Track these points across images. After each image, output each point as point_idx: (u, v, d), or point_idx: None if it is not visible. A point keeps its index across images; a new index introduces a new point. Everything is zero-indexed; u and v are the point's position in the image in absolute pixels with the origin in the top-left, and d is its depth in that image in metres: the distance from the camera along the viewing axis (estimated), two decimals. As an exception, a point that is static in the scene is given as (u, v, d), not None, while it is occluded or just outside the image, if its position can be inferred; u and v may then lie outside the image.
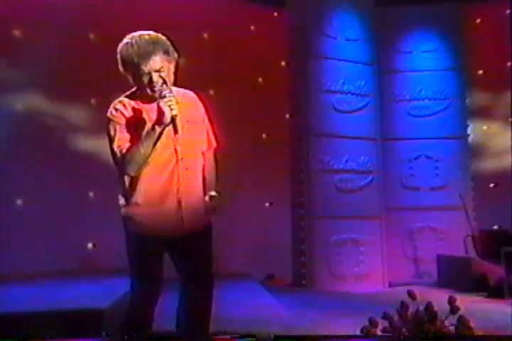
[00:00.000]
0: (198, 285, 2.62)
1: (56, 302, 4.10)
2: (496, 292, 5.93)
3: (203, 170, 2.64)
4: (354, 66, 7.34)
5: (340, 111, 7.24)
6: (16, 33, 6.45)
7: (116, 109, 2.51)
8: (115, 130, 2.48)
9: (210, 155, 2.70)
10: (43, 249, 6.07)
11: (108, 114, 2.52)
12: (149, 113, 2.51)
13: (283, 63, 7.89)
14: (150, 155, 2.43)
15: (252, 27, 7.83)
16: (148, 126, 2.45)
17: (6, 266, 5.61)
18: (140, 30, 2.58)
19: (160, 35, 2.52)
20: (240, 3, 7.33)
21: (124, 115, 2.49)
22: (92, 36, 6.88)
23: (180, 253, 2.61)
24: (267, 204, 7.79)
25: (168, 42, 2.51)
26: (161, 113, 2.41)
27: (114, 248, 6.30)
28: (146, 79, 2.46)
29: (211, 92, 7.20)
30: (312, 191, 7.11)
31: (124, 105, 2.52)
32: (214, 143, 2.71)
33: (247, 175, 7.28)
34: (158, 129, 2.42)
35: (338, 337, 3.36)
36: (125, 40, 2.49)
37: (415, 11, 7.84)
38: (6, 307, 3.89)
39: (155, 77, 2.45)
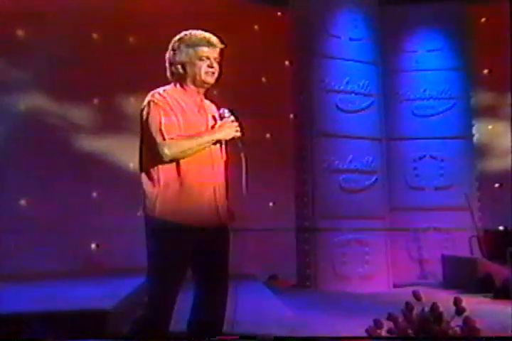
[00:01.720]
0: (218, 284, 2.60)
1: (60, 303, 4.09)
2: (501, 293, 5.88)
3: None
4: (358, 65, 7.31)
5: (345, 110, 7.20)
6: (19, 32, 6.45)
7: (160, 94, 2.56)
8: (160, 114, 2.50)
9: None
10: (45, 249, 6.06)
11: (150, 98, 2.55)
12: (191, 105, 2.59)
13: (287, 63, 7.87)
14: (197, 152, 2.52)
15: (256, 26, 7.82)
16: (211, 131, 2.57)
17: (9, 267, 5.60)
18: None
19: None
20: (244, 3, 7.31)
21: (168, 102, 2.54)
22: (95, 36, 6.86)
23: (207, 248, 2.55)
24: (270, 204, 7.77)
25: None
26: (226, 129, 2.58)
27: (118, 248, 6.33)
28: (205, 63, 2.60)
29: (215, 92, 7.14)
30: (316, 191, 7.08)
31: (167, 93, 2.58)
32: (225, 156, 2.75)
33: (251, 175, 7.25)
34: (217, 137, 2.57)
35: (341, 338, 3.33)
36: (190, 30, 2.65)
37: (420, 10, 7.81)
38: (10, 308, 3.88)
39: (214, 63, 2.62)
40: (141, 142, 2.58)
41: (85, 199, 6.61)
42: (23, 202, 6.35)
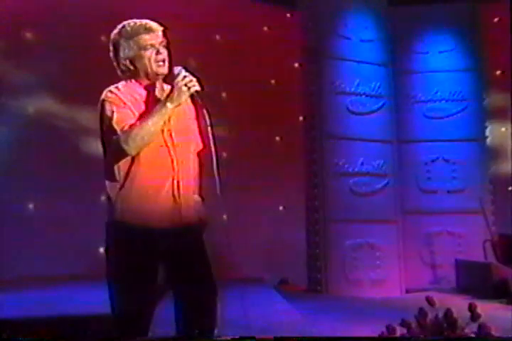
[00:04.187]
0: (199, 288, 2.44)
1: (67, 308, 4.07)
2: (517, 298, 5.78)
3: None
4: (369, 67, 7.25)
5: (355, 113, 7.13)
6: (28, 35, 6.45)
7: (111, 92, 2.44)
8: (112, 110, 2.38)
9: (195, 156, 2.59)
10: (54, 253, 6.05)
11: (102, 97, 2.43)
12: (147, 96, 2.46)
13: (296, 65, 7.81)
14: (156, 132, 2.36)
15: (265, 28, 7.77)
16: (160, 103, 2.38)
17: (17, 270, 5.59)
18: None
19: None
20: (253, 4, 7.28)
21: (120, 98, 2.42)
22: (103, 38, 6.84)
23: (174, 249, 2.42)
24: (281, 207, 7.70)
25: None
26: (176, 90, 2.36)
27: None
28: (152, 52, 2.43)
29: (223, 95, 7.14)
30: (327, 194, 7.01)
31: (119, 89, 2.45)
32: (200, 145, 2.58)
33: (261, 178, 7.20)
34: (170, 106, 2.36)
35: (341, 338, 3.25)
36: (124, 22, 2.50)
37: (430, 11, 7.72)
38: (17, 312, 3.86)
39: (161, 48, 2.45)
40: (103, 143, 2.46)
41: (94, 202, 6.57)
42: (31, 205, 6.33)
